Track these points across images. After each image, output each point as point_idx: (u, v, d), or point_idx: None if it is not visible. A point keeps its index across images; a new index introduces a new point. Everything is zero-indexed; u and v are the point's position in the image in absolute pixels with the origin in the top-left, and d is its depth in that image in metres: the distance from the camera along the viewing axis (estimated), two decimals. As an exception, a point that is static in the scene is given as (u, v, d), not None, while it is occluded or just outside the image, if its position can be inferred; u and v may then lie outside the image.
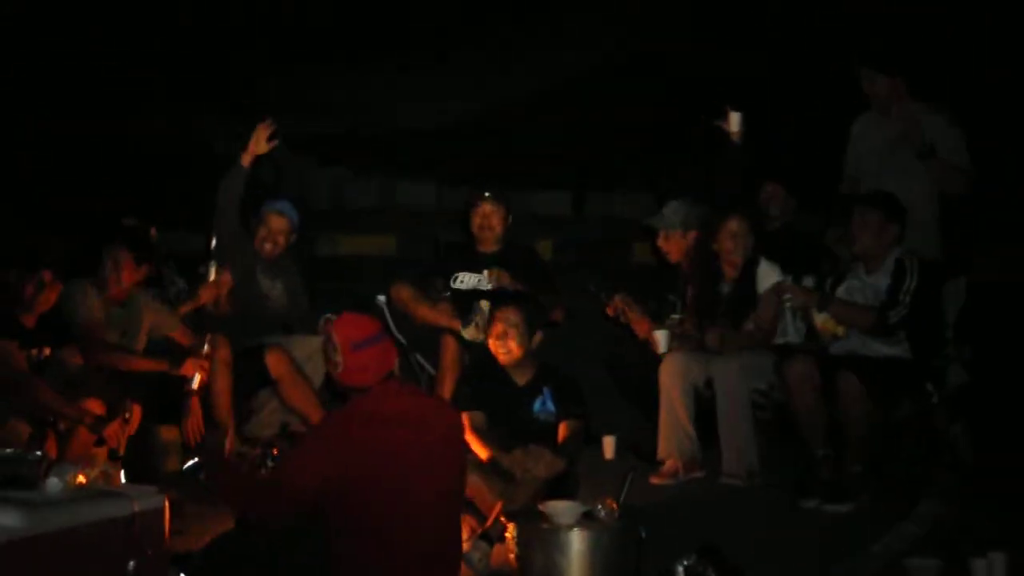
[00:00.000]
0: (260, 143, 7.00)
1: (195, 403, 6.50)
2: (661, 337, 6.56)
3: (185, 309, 6.95)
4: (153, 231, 6.85)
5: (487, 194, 7.23)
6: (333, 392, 5.22)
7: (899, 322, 6.10)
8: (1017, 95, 9.00)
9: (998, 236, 8.19)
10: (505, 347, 5.98)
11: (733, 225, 6.61)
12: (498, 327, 6.01)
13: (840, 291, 6.31)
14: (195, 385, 6.41)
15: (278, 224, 7.11)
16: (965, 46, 9.47)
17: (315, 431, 4.84)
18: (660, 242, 6.98)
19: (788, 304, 6.42)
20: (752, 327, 6.54)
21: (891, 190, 6.50)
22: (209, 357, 6.49)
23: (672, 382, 6.47)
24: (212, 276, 6.84)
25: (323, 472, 4.51)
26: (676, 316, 6.81)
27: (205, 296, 6.92)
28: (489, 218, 7.16)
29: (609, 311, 6.93)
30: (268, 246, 7.08)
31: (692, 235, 7.00)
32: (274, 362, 6.66)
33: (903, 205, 6.32)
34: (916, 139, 6.61)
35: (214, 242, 6.93)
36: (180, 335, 6.80)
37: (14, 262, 6.27)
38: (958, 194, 6.77)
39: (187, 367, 6.42)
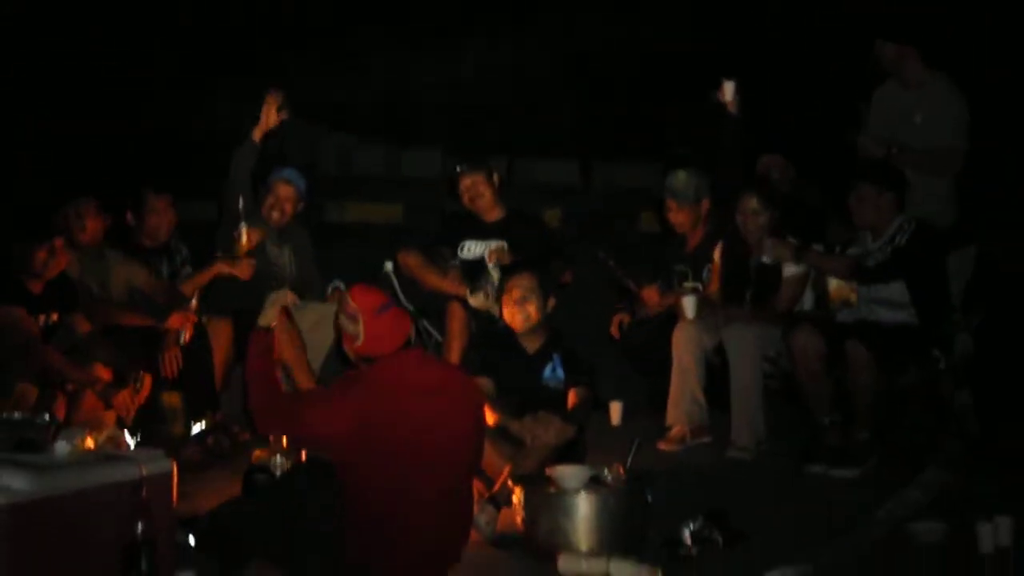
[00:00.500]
0: (271, 116, 7.03)
1: (170, 338, 6.57)
2: (689, 304, 6.53)
3: (213, 272, 6.96)
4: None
5: (459, 168, 7.24)
6: (344, 362, 5.20)
7: (877, 269, 6.15)
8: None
9: (1012, 206, 8.19)
10: (524, 312, 5.96)
11: (751, 203, 6.60)
12: (516, 293, 5.99)
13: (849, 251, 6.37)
14: (183, 340, 6.47)
15: (285, 192, 7.14)
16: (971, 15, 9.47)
17: (340, 384, 4.80)
18: (671, 215, 6.96)
19: (766, 258, 6.42)
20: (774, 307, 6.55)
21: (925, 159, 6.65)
22: (196, 312, 6.56)
23: (686, 348, 6.48)
24: (244, 237, 6.85)
25: (352, 416, 4.52)
26: (690, 283, 6.79)
27: (244, 248, 6.90)
28: (474, 188, 7.14)
29: (650, 300, 6.95)
30: (276, 214, 7.10)
31: (705, 205, 6.99)
32: (228, 269, 6.79)
33: (898, 172, 6.37)
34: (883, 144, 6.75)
35: (240, 205, 6.93)
36: (150, 288, 6.79)
37: (21, 230, 6.29)
38: (953, 174, 6.81)
39: (173, 320, 6.44)
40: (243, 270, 6.80)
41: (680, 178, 6.90)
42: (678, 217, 6.95)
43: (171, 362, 6.52)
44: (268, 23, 11.56)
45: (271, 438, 5.93)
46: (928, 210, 6.46)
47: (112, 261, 6.68)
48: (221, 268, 6.82)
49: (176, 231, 7.12)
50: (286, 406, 4.74)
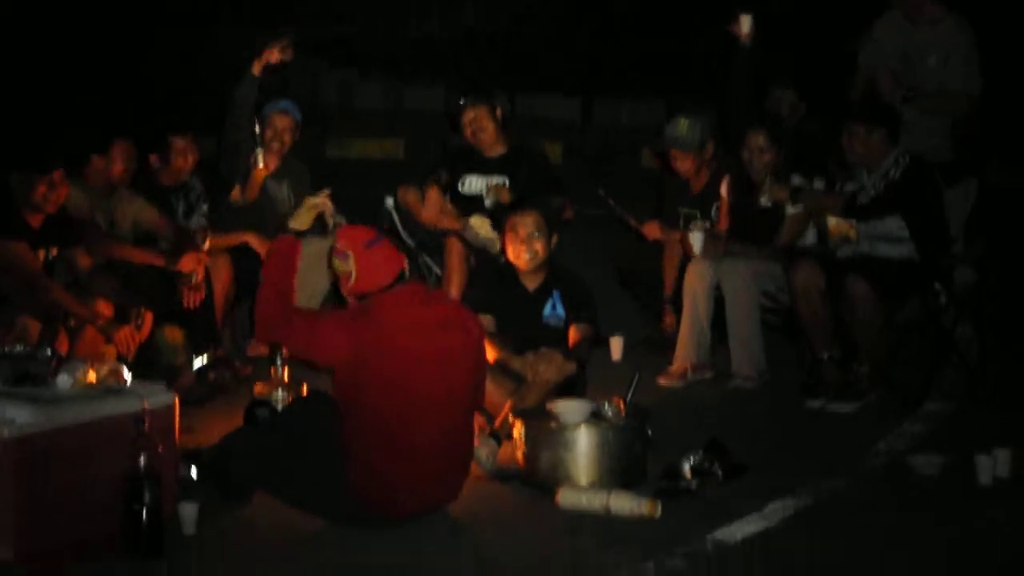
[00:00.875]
0: (275, 53, 7.01)
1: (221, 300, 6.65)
2: (697, 240, 6.52)
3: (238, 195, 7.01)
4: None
5: (463, 101, 7.19)
6: (340, 301, 5.21)
7: (869, 204, 6.14)
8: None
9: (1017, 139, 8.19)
10: (531, 250, 5.92)
11: (759, 140, 6.57)
12: (522, 231, 5.95)
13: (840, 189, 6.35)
14: (195, 281, 6.44)
15: (284, 123, 7.12)
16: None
17: (349, 313, 4.80)
18: (676, 163, 6.93)
19: (764, 199, 6.41)
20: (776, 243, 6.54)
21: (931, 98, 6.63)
22: (207, 252, 6.54)
23: (698, 285, 6.48)
24: (260, 163, 6.89)
25: (348, 346, 4.54)
26: (699, 222, 6.78)
27: (258, 176, 6.95)
28: (478, 121, 7.09)
29: (651, 233, 6.95)
30: (276, 145, 7.08)
31: (709, 149, 6.97)
32: (261, 247, 6.70)
33: (889, 108, 6.37)
34: (901, 85, 6.68)
35: (256, 130, 6.97)
36: (157, 227, 6.75)
37: (18, 162, 6.28)
38: (962, 115, 6.78)
39: (185, 262, 6.42)
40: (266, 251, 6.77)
41: (682, 126, 6.85)
42: (683, 165, 6.91)
43: (192, 302, 6.56)
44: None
45: (272, 372, 5.97)
46: (926, 144, 6.48)
47: (120, 199, 6.66)
48: (250, 240, 6.81)
49: (196, 177, 7.08)
50: (296, 318, 4.71)
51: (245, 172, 6.96)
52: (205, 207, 6.95)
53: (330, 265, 4.80)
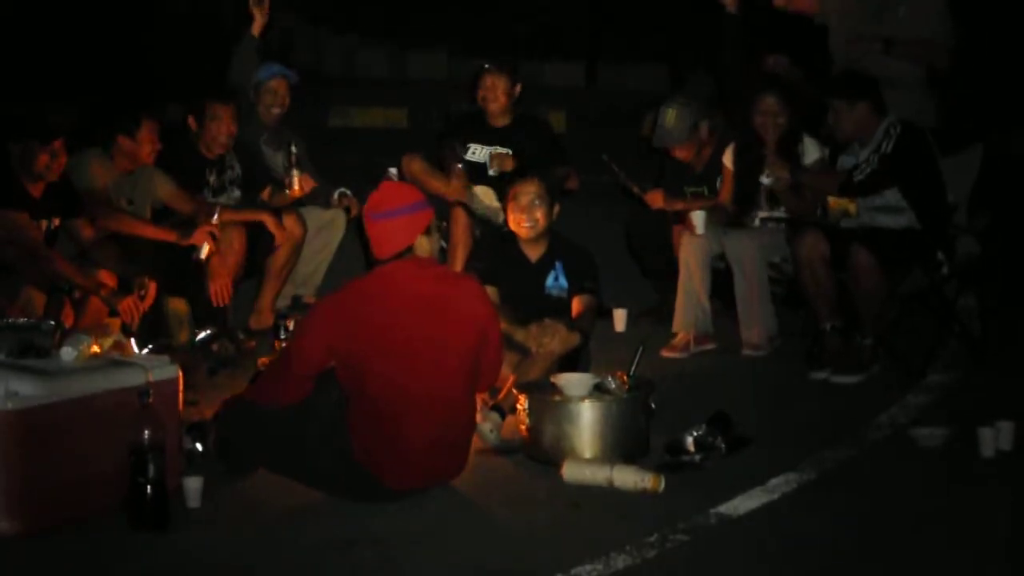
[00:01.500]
0: (261, 11, 7.14)
1: (216, 264, 6.58)
2: (698, 219, 6.54)
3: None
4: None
5: (487, 66, 7.20)
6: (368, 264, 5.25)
7: (866, 180, 6.14)
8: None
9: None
10: (531, 219, 5.90)
11: (769, 102, 6.57)
12: (523, 199, 5.93)
13: (837, 163, 6.35)
14: (203, 255, 6.45)
15: (282, 86, 7.14)
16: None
17: (323, 302, 4.88)
18: (674, 152, 6.95)
19: (768, 181, 6.41)
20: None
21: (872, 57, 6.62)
22: (218, 227, 6.53)
23: (693, 257, 6.50)
24: (296, 186, 6.90)
25: (326, 339, 4.60)
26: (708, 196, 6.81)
27: (295, 195, 6.99)
28: (493, 90, 7.11)
29: (655, 202, 6.95)
30: (276, 110, 7.13)
31: (704, 129, 6.96)
32: (277, 230, 6.75)
33: (868, 78, 6.33)
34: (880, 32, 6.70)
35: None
36: (173, 199, 6.77)
37: (19, 132, 6.27)
38: (941, 67, 6.80)
39: (197, 236, 6.44)
40: (281, 234, 6.81)
41: (670, 116, 6.84)
42: (680, 153, 6.95)
43: (220, 293, 6.63)
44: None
45: (276, 345, 5.97)
46: (908, 110, 6.47)
47: (142, 176, 6.66)
48: (266, 219, 6.78)
49: (234, 148, 7.06)
50: (276, 371, 4.86)
51: (278, 177, 7.06)
52: (237, 193, 6.92)
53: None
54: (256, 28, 7.15)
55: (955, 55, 6.79)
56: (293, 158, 6.91)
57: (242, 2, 7.27)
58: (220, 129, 6.78)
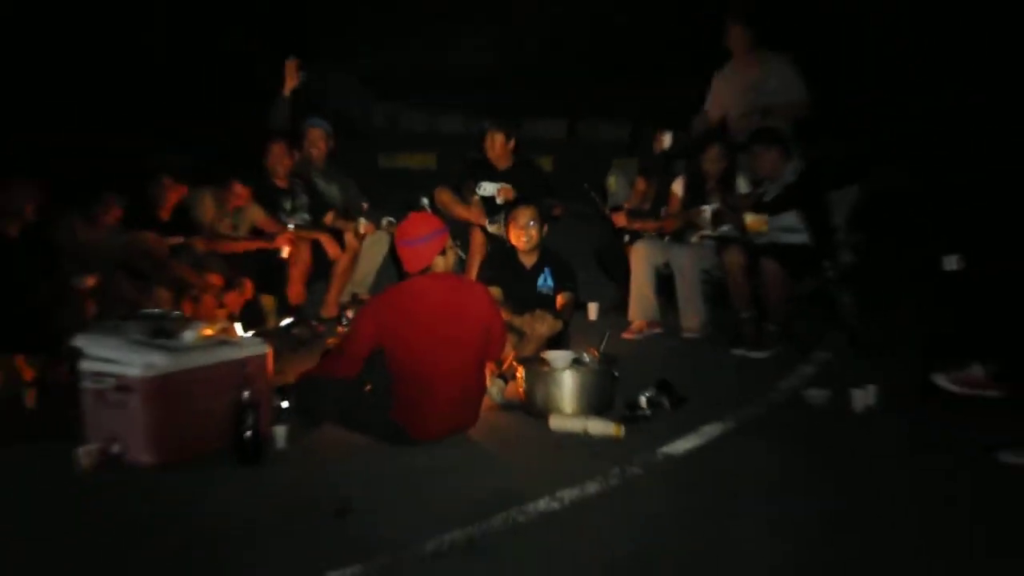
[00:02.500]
0: (293, 76, 7.06)
1: (293, 273, 6.60)
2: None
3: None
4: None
5: (487, 124, 7.17)
6: (399, 274, 5.29)
7: (772, 201, 6.13)
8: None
9: (890, 156, 8.18)
10: (528, 235, 5.93)
11: (713, 152, 6.57)
12: (521, 220, 5.95)
13: (755, 193, 6.31)
14: (284, 255, 6.51)
15: (317, 134, 7.14)
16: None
17: (370, 302, 4.90)
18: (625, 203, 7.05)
19: (712, 206, 6.42)
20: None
21: (756, 123, 6.61)
22: (294, 235, 6.60)
23: (639, 263, 6.50)
24: (362, 229, 6.88)
25: (373, 330, 4.64)
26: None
27: (355, 238, 6.96)
28: (495, 141, 7.08)
29: (619, 221, 6.93)
30: (315, 151, 7.12)
31: (640, 183, 7.03)
32: (329, 246, 6.79)
33: (776, 131, 6.36)
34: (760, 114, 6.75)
35: (365, 206, 7.08)
36: (265, 225, 6.78)
37: (151, 176, 6.34)
38: (804, 118, 6.86)
39: (279, 241, 6.50)
40: (334, 251, 6.83)
41: (612, 184, 6.90)
42: (630, 204, 7.03)
43: (297, 295, 6.67)
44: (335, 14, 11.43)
45: (338, 329, 6.01)
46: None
47: (245, 211, 6.69)
48: (323, 239, 6.79)
49: (300, 180, 7.01)
50: (337, 356, 4.85)
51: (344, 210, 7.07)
52: (307, 216, 6.90)
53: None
54: (287, 88, 7.10)
55: (812, 109, 6.83)
56: (365, 208, 6.93)
57: (278, 66, 7.21)
58: (276, 162, 6.77)
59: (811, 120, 6.91)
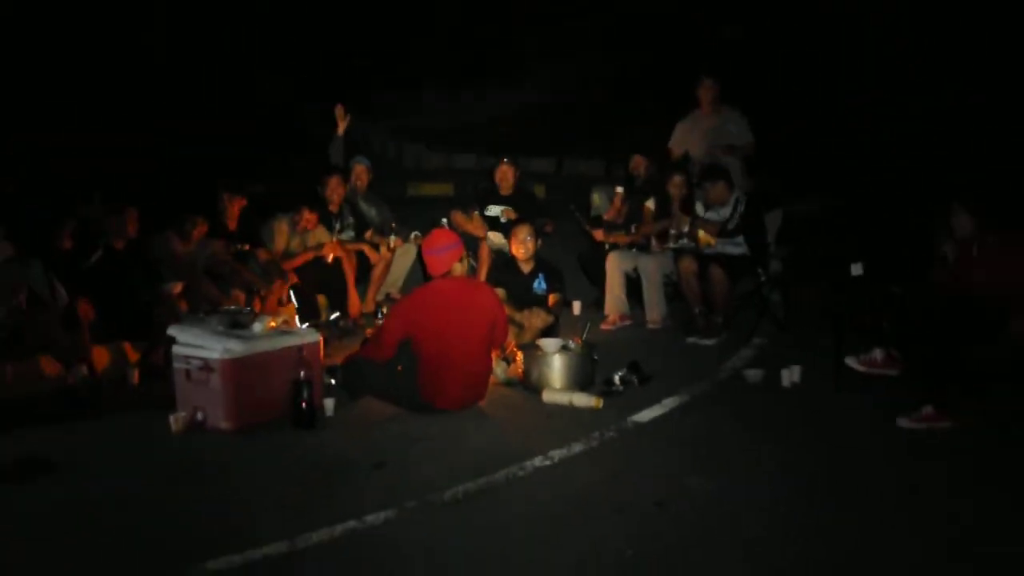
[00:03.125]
0: (342, 119, 7.06)
1: (352, 290, 6.52)
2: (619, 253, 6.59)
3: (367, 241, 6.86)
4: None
5: (502, 159, 7.15)
6: (424, 276, 5.29)
7: (735, 228, 6.11)
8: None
9: (807, 189, 8.19)
10: (525, 248, 5.94)
11: (677, 180, 6.52)
12: (521, 235, 5.97)
13: (707, 215, 6.26)
14: (329, 260, 6.44)
15: (361, 169, 7.07)
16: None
17: (400, 301, 4.92)
18: (605, 218, 7.00)
19: (684, 241, 6.32)
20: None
21: (715, 159, 6.57)
22: (337, 247, 6.51)
23: (613, 269, 6.46)
24: (392, 244, 6.79)
25: (402, 323, 4.64)
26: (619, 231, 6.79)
27: (388, 250, 6.81)
28: (504, 173, 7.05)
29: (598, 236, 6.85)
30: (359, 182, 7.04)
31: (616, 202, 6.96)
32: (373, 255, 6.73)
33: (723, 168, 6.34)
34: (726, 150, 6.73)
35: (394, 225, 6.92)
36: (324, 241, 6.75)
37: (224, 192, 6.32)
38: (751, 155, 6.89)
39: (326, 250, 6.44)
40: (375, 258, 6.71)
41: (596, 200, 6.86)
42: (611, 213, 6.97)
43: (354, 294, 6.54)
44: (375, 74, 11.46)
45: (375, 322, 5.99)
46: (739, 182, 6.51)
47: (309, 232, 6.56)
48: (366, 249, 6.71)
49: (347, 204, 6.88)
50: (374, 346, 4.80)
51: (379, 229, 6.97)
52: (352, 233, 6.79)
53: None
54: (340, 130, 7.07)
55: (756, 148, 6.87)
56: (394, 226, 6.86)
57: (330, 114, 7.19)
58: (332, 192, 6.70)
59: (752, 159, 6.91)
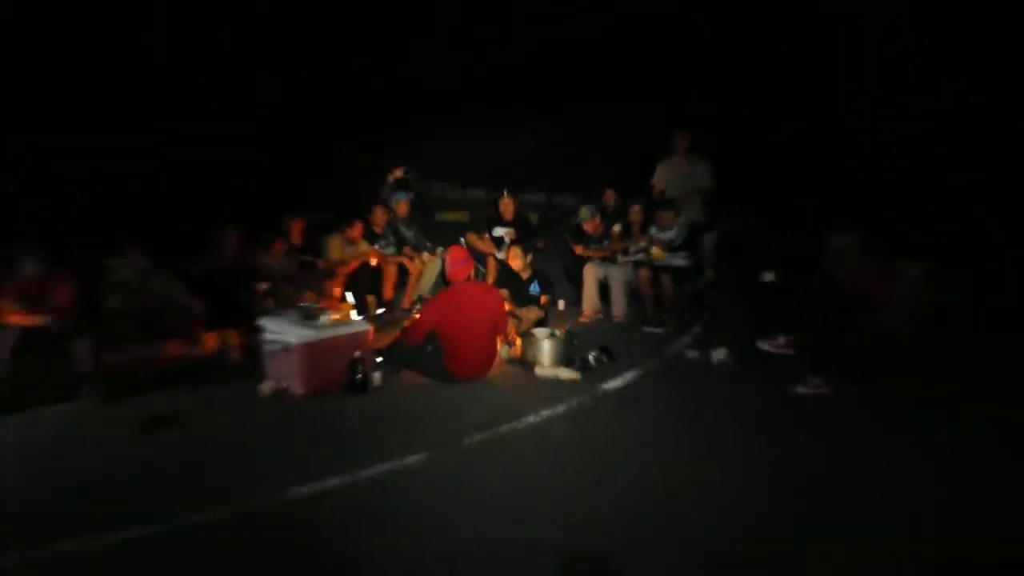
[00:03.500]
0: (398, 173, 7.01)
1: (386, 284, 6.45)
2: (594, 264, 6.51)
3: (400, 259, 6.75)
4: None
5: (505, 192, 7.09)
6: (445, 282, 5.33)
7: (679, 246, 6.06)
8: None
9: (728, 215, 8.15)
10: (517, 261, 5.95)
11: (636, 209, 6.48)
12: (515, 251, 5.98)
13: (658, 236, 6.27)
14: (372, 264, 6.35)
15: (403, 201, 6.96)
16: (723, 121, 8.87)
17: (430, 300, 4.84)
18: (586, 226, 6.88)
19: (642, 255, 6.33)
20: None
21: (683, 194, 6.47)
22: (377, 253, 6.46)
23: (589, 276, 6.40)
24: (425, 257, 6.72)
25: (432, 317, 4.60)
26: (597, 245, 6.73)
27: (421, 263, 6.68)
28: (506, 204, 6.99)
29: (578, 250, 6.85)
30: (400, 211, 6.91)
31: (597, 219, 6.99)
32: (410, 265, 6.72)
33: (673, 200, 6.24)
34: (698, 185, 6.59)
35: (429, 245, 6.84)
36: (369, 251, 6.64)
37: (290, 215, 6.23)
38: (711, 193, 6.76)
39: (370, 256, 6.40)
40: (412, 268, 6.63)
41: (583, 212, 6.88)
42: (589, 227, 6.86)
43: (389, 288, 6.47)
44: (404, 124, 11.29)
45: (412, 316, 5.94)
46: (692, 213, 6.44)
47: (357, 245, 6.55)
48: (405, 261, 6.65)
49: (390, 227, 6.78)
50: (412, 331, 4.77)
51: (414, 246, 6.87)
52: (393, 249, 6.74)
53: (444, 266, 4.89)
54: (397, 175, 7.00)
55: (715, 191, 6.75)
56: (429, 245, 6.75)
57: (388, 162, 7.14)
58: (376, 219, 6.66)
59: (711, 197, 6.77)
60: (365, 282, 6.44)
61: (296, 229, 6.26)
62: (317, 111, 10.12)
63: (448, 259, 4.89)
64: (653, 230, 6.31)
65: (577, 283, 6.72)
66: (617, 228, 6.72)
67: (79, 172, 6.83)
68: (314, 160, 10.00)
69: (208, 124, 7.92)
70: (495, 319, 4.77)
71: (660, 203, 6.30)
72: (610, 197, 7.06)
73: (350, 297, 6.24)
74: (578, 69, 11.45)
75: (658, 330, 5.91)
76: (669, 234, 6.16)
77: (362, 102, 10.93)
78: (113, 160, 7.10)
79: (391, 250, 6.78)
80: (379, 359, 4.93)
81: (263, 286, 5.70)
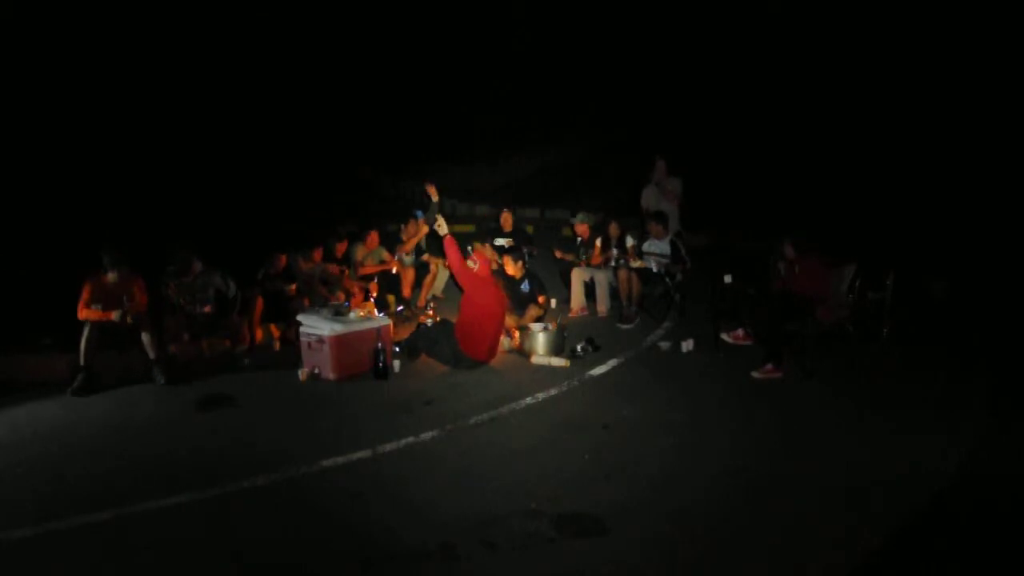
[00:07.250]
0: (433, 192, 6.82)
1: (404, 284, 6.35)
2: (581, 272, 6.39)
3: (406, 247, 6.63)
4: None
5: (505, 209, 7.05)
6: (455, 285, 5.27)
7: (668, 257, 5.98)
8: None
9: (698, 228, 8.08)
10: (515, 267, 5.85)
11: (613, 225, 6.40)
12: (507, 259, 5.88)
13: (646, 246, 6.16)
14: (393, 270, 6.28)
15: (423, 224, 6.87)
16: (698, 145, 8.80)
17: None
18: (578, 228, 6.79)
19: (615, 253, 6.29)
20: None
21: (663, 210, 6.37)
22: (395, 262, 6.35)
23: (576, 278, 6.36)
24: (443, 263, 6.59)
25: (464, 267, 4.56)
26: (587, 251, 6.60)
27: (436, 267, 6.53)
28: (506, 217, 6.93)
29: (557, 254, 6.81)
30: (424, 228, 6.92)
31: (586, 225, 6.92)
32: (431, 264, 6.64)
33: (664, 215, 6.18)
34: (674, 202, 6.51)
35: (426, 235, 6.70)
36: (388, 258, 6.54)
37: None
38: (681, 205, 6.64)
39: (390, 264, 6.34)
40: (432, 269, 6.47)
41: (579, 217, 6.81)
42: (579, 229, 6.79)
43: (407, 289, 6.38)
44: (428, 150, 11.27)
45: (428, 312, 5.93)
46: (673, 227, 6.36)
47: (378, 250, 6.43)
48: (428, 259, 6.49)
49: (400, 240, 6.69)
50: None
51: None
52: (413, 256, 6.59)
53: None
54: (435, 197, 6.48)
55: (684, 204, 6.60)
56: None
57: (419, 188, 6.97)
58: (410, 231, 6.54)
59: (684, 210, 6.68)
60: (385, 285, 6.39)
61: (340, 247, 6.19)
62: (347, 141, 10.22)
63: (478, 257, 4.85)
64: (648, 244, 6.21)
65: (567, 283, 6.67)
66: (598, 242, 6.64)
67: (153, 195, 6.92)
68: (343, 181, 9.97)
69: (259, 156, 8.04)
70: (503, 316, 4.76)
71: (654, 215, 6.18)
72: (595, 218, 6.98)
73: (372, 298, 6.16)
74: (569, 104, 11.45)
75: (630, 326, 5.82)
76: (663, 248, 6.07)
77: (386, 135, 11.00)
78: (185, 184, 7.17)
79: (411, 257, 6.70)
80: (398, 349, 4.91)
81: (291, 287, 5.61)
